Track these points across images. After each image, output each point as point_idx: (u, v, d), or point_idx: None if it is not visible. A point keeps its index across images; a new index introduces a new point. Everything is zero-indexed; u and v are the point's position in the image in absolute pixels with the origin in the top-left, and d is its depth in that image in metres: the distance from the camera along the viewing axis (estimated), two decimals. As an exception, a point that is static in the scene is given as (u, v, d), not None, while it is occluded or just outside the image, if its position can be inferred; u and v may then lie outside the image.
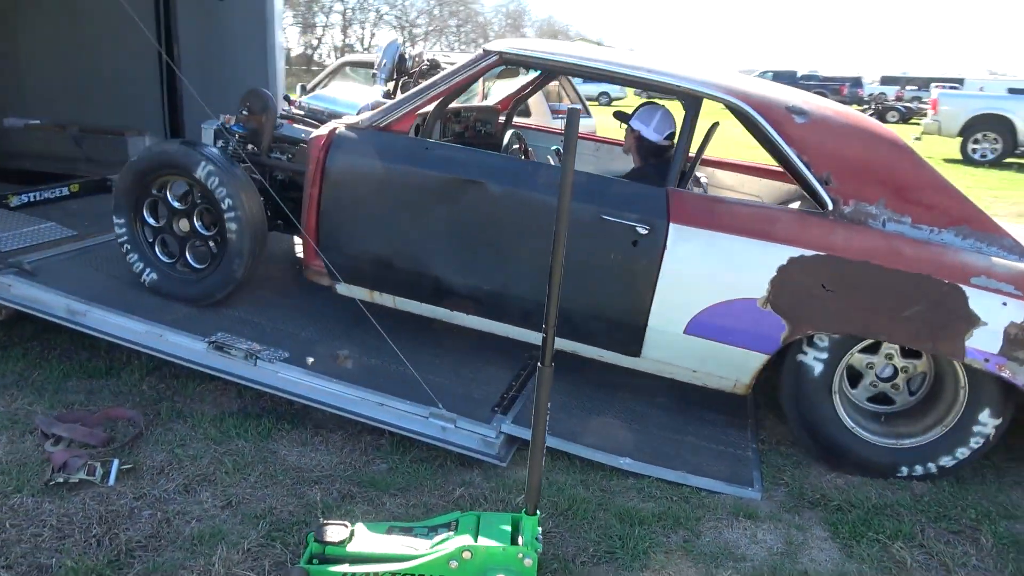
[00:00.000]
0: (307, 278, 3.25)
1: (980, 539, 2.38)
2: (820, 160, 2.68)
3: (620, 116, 3.42)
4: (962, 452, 2.67)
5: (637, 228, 2.73)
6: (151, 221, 3.32)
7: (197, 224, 3.26)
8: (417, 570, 2.02)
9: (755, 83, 3.02)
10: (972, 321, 2.52)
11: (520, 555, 2.03)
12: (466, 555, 2.02)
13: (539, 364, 2.02)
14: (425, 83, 3.12)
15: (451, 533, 2.09)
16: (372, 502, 2.46)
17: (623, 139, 3.47)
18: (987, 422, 2.64)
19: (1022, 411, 2.69)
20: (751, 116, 2.76)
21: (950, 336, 2.55)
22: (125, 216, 3.28)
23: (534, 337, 2.95)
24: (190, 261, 3.31)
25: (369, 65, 8.12)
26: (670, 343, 2.82)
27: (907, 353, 2.77)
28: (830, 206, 2.66)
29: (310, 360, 2.95)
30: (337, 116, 3.60)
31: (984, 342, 2.52)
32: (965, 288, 2.52)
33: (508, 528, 2.11)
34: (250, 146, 3.35)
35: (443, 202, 2.93)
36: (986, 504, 2.57)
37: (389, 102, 3.20)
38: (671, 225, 2.71)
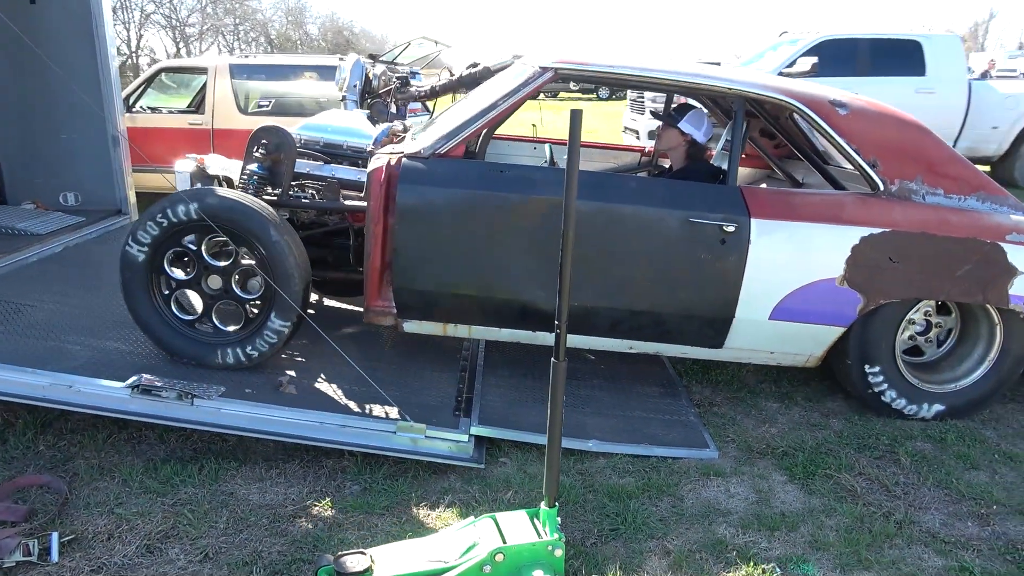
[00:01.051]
0: (367, 321, 3.03)
1: (900, 459, 2.78)
2: (867, 146, 2.97)
3: (658, 115, 3.55)
4: (912, 408, 3.11)
5: (724, 227, 2.86)
6: (191, 246, 2.88)
7: (215, 318, 2.97)
8: (454, 584, 2.00)
9: (793, 82, 3.25)
10: (1012, 272, 2.93)
11: (550, 547, 2.07)
12: (499, 557, 2.02)
13: (553, 359, 2.07)
14: (482, 105, 2.99)
15: (476, 540, 2.09)
16: (361, 526, 2.37)
17: (659, 140, 3.59)
18: (932, 411, 3.10)
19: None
20: (803, 111, 2.97)
21: (997, 287, 2.94)
22: (180, 210, 2.80)
23: (616, 344, 3.03)
24: (171, 305, 2.97)
25: (187, 71, 7.52)
26: (755, 331, 2.98)
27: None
28: (881, 187, 2.96)
29: (284, 380, 2.79)
30: (335, 145, 3.37)
31: (1019, 287, 2.94)
32: (1003, 245, 2.92)
33: (529, 524, 2.14)
34: (268, 188, 3.08)
35: (528, 224, 2.86)
36: (890, 430, 3.00)
37: (446, 127, 2.99)
38: (752, 220, 2.87)
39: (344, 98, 4.07)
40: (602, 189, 2.91)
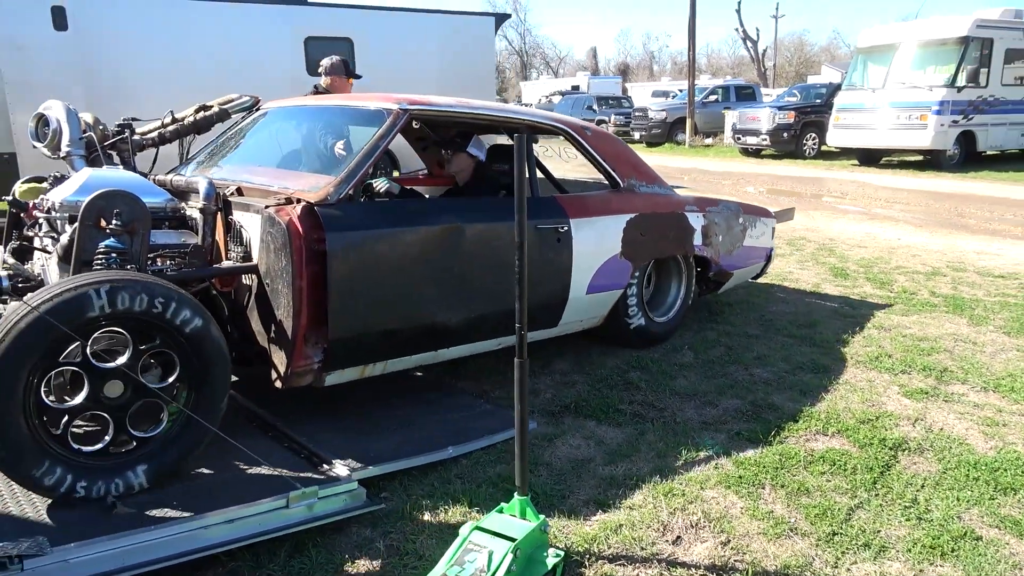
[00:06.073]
0: (287, 385, 2.81)
1: (639, 385, 3.66)
2: (607, 157, 3.99)
3: (443, 143, 3.96)
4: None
5: (559, 228, 3.55)
6: None
7: None
8: (498, 592, 2.05)
9: (560, 114, 4.05)
10: (692, 230, 4.24)
11: (542, 529, 2.29)
12: (518, 553, 2.16)
13: (516, 359, 2.28)
14: (365, 150, 3.07)
15: (490, 549, 2.15)
16: (324, 608, 2.13)
17: (450, 164, 3.97)
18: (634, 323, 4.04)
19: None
20: (570, 134, 3.85)
21: (688, 241, 4.23)
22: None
23: (490, 344, 3.44)
24: None
25: None
26: (578, 306, 3.74)
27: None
28: (621, 185, 4.00)
29: (113, 500, 2.19)
30: None
31: (697, 240, 4.28)
32: (685, 213, 4.21)
33: (513, 517, 2.29)
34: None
35: (435, 250, 3.08)
36: (610, 371, 3.87)
37: (340, 172, 2.97)
38: (571, 220, 3.60)
39: (69, 154, 3.24)
40: (479, 212, 3.29)
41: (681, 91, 29.89)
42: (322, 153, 3.62)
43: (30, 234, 3.07)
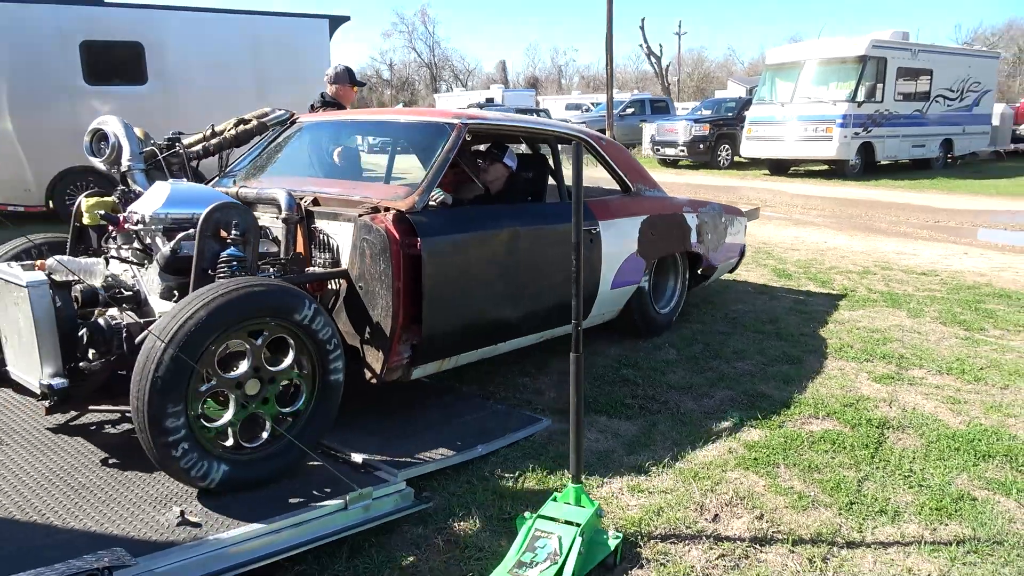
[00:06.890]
0: (384, 382, 3.01)
1: (635, 381, 3.84)
2: (619, 163, 4.36)
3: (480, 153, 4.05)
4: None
5: (592, 229, 3.88)
6: None
7: None
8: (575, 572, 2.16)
9: (580, 125, 4.21)
10: (689, 229, 4.66)
11: (599, 514, 2.41)
12: (583, 536, 2.27)
13: (572, 353, 2.40)
14: (437, 163, 3.26)
15: (559, 534, 2.26)
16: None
17: (485, 173, 3.98)
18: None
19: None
20: (591, 144, 4.15)
21: (687, 239, 4.64)
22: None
23: (537, 338, 3.74)
24: None
25: None
26: (604, 300, 4.07)
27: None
28: (632, 189, 4.40)
29: (182, 511, 2.20)
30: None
31: (693, 238, 4.69)
32: (684, 214, 4.62)
33: (569, 504, 2.41)
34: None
35: (502, 251, 3.34)
36: (603, 370, 4.04)
37: (420, 182, 3.19)
38: (599, 222, 3.95)
39: (130, 168, 3.34)
40: (530, 216, 3.57)
41: (595, 104, 30.82)
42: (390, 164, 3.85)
43: (111, 246, 3.04)
